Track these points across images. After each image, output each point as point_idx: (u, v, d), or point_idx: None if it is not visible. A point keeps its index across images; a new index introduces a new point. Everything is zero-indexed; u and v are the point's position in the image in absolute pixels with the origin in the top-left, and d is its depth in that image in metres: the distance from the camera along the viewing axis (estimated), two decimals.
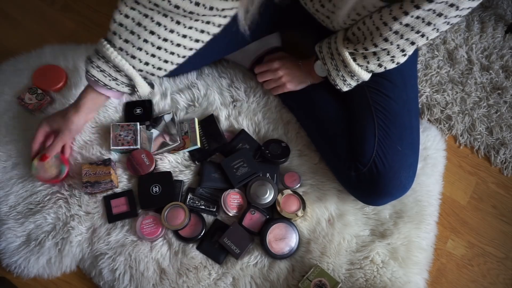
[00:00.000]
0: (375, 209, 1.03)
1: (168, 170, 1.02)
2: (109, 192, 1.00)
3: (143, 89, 0.88)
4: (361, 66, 0.85)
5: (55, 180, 0.98)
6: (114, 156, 1.03)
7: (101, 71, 0.83)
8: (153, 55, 0.81)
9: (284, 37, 1.18)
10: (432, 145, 1.13)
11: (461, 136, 1.20)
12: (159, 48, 0.80)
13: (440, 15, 0.69)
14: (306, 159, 1.07)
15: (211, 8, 0.74)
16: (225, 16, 0.80)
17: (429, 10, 0.69)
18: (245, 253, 0.96)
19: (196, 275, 0.94)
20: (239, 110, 1.11)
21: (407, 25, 0.72)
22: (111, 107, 1.08)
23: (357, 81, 0.90)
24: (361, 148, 0.92)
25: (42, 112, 1.07)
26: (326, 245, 0.99)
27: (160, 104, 1.10)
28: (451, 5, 0.67)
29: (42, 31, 1.25)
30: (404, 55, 0.82)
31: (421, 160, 1.08)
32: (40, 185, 1.00)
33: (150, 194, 0.98)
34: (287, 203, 1.00)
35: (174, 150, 1.05)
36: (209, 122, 1.07)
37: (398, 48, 0.79)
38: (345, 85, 0.91)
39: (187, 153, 1.05)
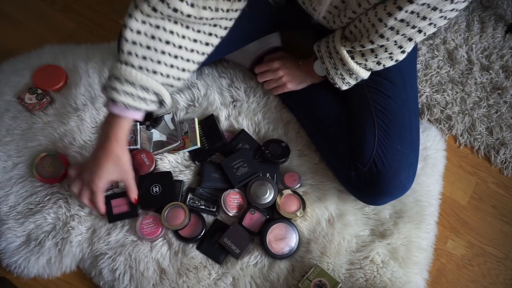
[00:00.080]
0: (375, 209, 1.03)
1: (168, 170, 1.02)
2: (109, 192, 1.00)
3: (170, 102, 0.84)
4: (359, 64, 0.85)
5: (54, 180, 0.98)
6: None
7: (129, 95, 0.77)
8: (172, 66, 0.78)
9: (284, 37, 1.18)
10: (432, 145, 1.13)
11: (461, 136, 1.20)
12: (176, 57, 0.77)
13: (435, 9, 0.69)
14: (306, 159, 1.07)
15: (216, 10, 0.73)
16: (230, 19, 0.79)
17: (423, 4, 0.68)
18: (245, 253, 0.96)
19: (196, 275, 0.94)
20: (239, 110, 1.11)
21: (402, 20, 0.72)
22: None
23: (356, 80, 0.90)
24: (361, 148, 0.92)
25: (42, 112, 1.07)
26: (326, 245, 0.99)
27: None
28: None
29: (42, 31, 1.25)
30: (403, 52, 0.82)
31: (421, 160, 1.08)
32: (40, 185, 1.00)
33: (150, 194, 0.98)
34: (287, 203, 1.00)
35: (174, 150, 1.05)
36: (209, 122, 1.07)
37: (395, 44, 0.79)
38: (344, 84, 0.91)
39: (187, 153, 1.05)
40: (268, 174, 1.03)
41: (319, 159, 1.07)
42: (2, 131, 1.06)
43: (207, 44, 0.80)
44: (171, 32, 0.74)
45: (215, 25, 0.78)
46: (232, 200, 1.00)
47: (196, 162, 1.05)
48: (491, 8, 1.41)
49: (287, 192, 1.01)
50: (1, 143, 1.04)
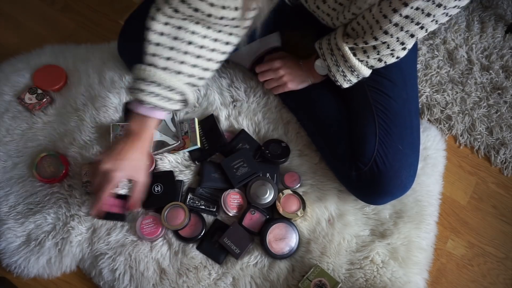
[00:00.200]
0: (375, 209, 1.03)
1: (169, 170, 1.02)
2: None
3: (193, 101, 0.86)
4: (361, 61, 0.86)
5: (54, 180, 0.98)
6: None
7: (155, 96, 0.79)
8: (194, 65, 0.80)
9: (284, 37, 1.18)
10: (432, 145, 1.13)
11: (461, 136, 1.20)
12: (198, 57, 0.79)
13: (439, 5, 0.69)
14: (306, 159, 1.07)
15: (236, 9, 0.74)
16: (249, 19, 0.80)
17: (428, 0, 0.69)
18: (245, 253, 0.96)
19: (196, 275, 0.94)
20: (239, 110, 1.11)
21: (407, 16, 0.73)
22: (111, 107, 1.08)
23: (358, 77, 0.90)
24: (362, 148, 0.92)
25: (42, 112, 1.07)
26: (326, 245, 0.99)
27: None
28: None
29: (42, 31, 1.25)
30: (404, 48, 0.82)
31: (421, 160, 1.08)
32: (40, 185, 1.00)
33: (152, 194, 0.98)
34: (287, 203, 1.00)
35: (174, 150, 1.05)
36: (209, 122, 1.07)
37: (397, 41, 0.79)
38: (346, 81, 0.91)
39: (187, 153, 1.05)
40: (268, 174, 1.03)
41: (319, 159, 1.07)
42: (2, 131, 1.06)
43: (227, 43, 0.81)
44: (193, 33, 0.76)
45: (236, 26, 0.79)
46: (232, 200, 1.00)
47: (196, 162, 1.05)
48: (491, 8, 1.41)
49: (287, 192, 1.01)
50: (1, 143, 1.04)
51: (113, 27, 1.26)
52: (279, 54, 1.10)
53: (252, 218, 0.98)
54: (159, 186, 0.99)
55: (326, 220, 1.01)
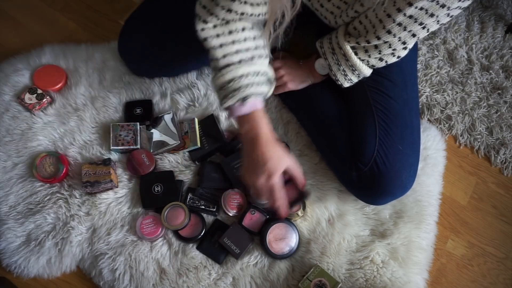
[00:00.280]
0: (375, 209, 1.03)
1: (169, 170, 1.02)
2: (110, 192, 1.00)
3: (273, 77, 0.88)
4: (362, 60, 0.86)
5: (54, 180, 0.98)
6: (114, 156, 1.03)
7: (250, 86, 0.80)
8: (256, 48, 0.81)
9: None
10: (432, 145, 1.13)
11: (461, 136, 1.20)
12: (254, 38, 0.81)
13: (443, 6, 0.70)
14: (306, 159, 1.07)
15: (265, 3, 0.75)
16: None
17: (432, 0, 0.69)
18: (245, 253, 0.96)
19: (196, 275, 0.94)
20: None
21: (410, 16, 0.73)
22: (111, 107, 1.08)
23: (358, 77, 0.90)
24: (362, 148, 0.92)
25: (42, 112, 1.07)
26: (326, 245, 0.99)
27: (160, 104, 1.10)
28: None
29: (42, 31, 1.25)
30: (405, 48, 0.82)
31: (421, 160, 1.08)
32: (40, 185, 1.00)
33: (152, 194, 0.98)
34: None
35: (174, 150, 1.05)
36: (209, 122, 1.07)
37: (399, 40, 0.79)
38: (346, 80, 0.91)
39: (187, 153, 1.05)
40: None
41: (319, 159, 1.07)
42: (2, 131, 1.05)
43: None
44: (240, 20, 0.78)
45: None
46: (232, 200, 1.00)
47: (196, 162, 1.04)
48: (491, 8, 1.41)
49: None
50: (1, 143, 1.04)
51: (113, 27, 1.26)
52: (279, 54, 1.10)
53: (252, 218, 0.98)
54: (159, 186, 0.99)
55: (326, 220, 1.01)
